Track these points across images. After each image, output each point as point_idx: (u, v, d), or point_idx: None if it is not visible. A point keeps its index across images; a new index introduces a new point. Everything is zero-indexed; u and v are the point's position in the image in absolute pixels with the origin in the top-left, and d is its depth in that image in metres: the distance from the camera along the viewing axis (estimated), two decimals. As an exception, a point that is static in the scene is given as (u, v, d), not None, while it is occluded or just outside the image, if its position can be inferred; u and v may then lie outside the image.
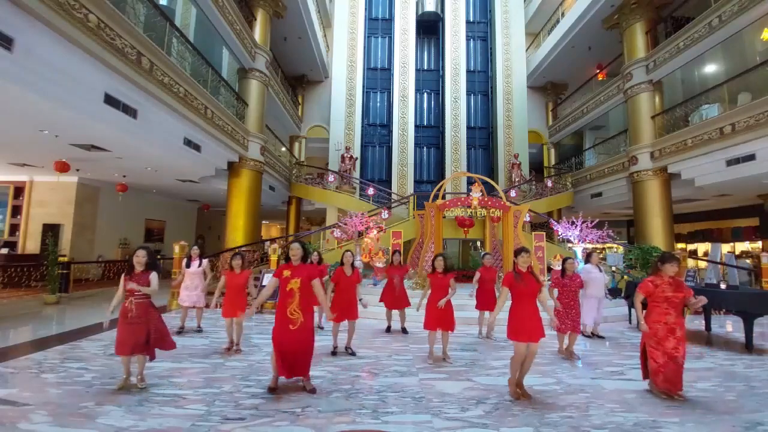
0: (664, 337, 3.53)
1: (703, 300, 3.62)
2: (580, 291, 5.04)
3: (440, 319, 4.56)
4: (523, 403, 3.41)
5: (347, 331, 4.96)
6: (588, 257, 5.90)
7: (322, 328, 6.20)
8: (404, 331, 6.11)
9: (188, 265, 5.86)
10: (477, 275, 5.76)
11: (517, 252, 3.59)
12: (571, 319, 4.79)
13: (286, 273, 3.56)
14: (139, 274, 3.58)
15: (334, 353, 4.86)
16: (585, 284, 5.24)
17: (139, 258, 3.59)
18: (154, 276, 3.62)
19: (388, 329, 6.21)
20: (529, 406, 3.36)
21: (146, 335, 3.53)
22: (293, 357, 3.50)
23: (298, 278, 3.52)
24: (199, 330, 5.89)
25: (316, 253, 6.52)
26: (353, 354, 4.85)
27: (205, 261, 5.94)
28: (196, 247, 6.07)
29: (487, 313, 5.77)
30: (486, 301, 5.74)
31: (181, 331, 5.75)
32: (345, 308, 4.86)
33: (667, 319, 3.54)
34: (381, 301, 6.20)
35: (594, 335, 5.99)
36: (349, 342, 4.98)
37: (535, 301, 3.51)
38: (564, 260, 5.03)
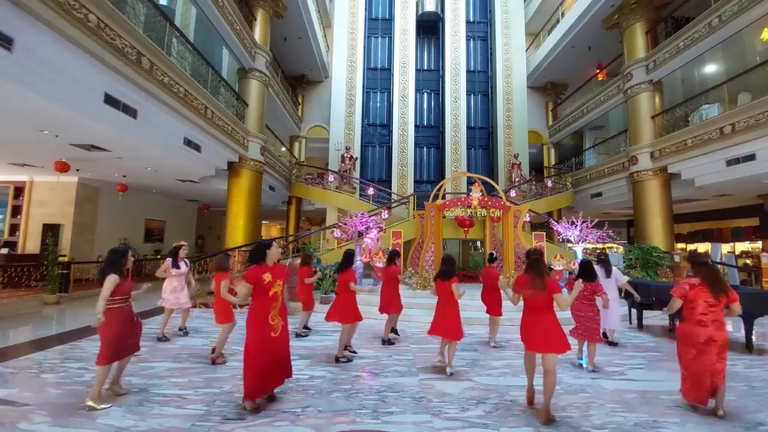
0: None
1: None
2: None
3: (446, 326, 4.22)
4: (523, 403, 3.40)
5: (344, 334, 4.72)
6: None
7: (309, 329, 6.06)
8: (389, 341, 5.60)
9: (177, 266, 5.63)
10: (507, 280, 5.41)
11: (532, 255, 3.35)
12: (594, 325, 4.48)
13: (267, 277, 3.23)
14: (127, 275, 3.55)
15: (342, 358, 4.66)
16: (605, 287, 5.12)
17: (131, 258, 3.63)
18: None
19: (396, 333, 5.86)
20: (530, 406, 3.36)
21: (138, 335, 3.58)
22: (281, 362, 3.30)
23: (281, 280, 3.30)
24: (182, 330, 5.74)
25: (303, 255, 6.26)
26: (338, 361, 4.57)
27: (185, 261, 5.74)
28: (185, 248, 5.76)
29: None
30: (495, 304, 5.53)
31: (166, 337, 5.46)
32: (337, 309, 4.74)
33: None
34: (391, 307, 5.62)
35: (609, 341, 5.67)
36: (348, 343, 4.80)
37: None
38: (587, 263, 4.63)
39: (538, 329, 3.20)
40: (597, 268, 5.57)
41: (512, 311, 6.81)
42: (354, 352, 4.90)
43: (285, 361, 3.40)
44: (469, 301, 5.84)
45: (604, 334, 5.76)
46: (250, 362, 3.13)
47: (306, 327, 6.05)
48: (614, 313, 5.42)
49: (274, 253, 3.36)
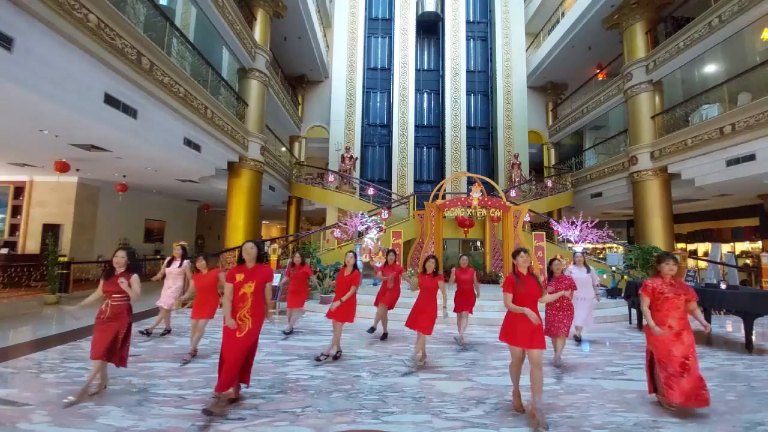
0: (671, 343, 3.27)
1: (706, 326, 3.40)
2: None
3: (416, 319, 4.42)
4: (523, 403, 3.39)
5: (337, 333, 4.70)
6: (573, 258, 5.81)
7: (290, 332, 5.92)
8: (374, 331, 5.89)
9: (169, 265, 5.63)
10: (452, 276, 5.48)
11: (516, 253, 3.36)
12: (559, 321, 4.52)
13: (240, 276, 3.28)
14: (119, 275, 3.46)
15: (323, 356, 4.57)
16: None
17: (119, 259, 3.49)
18: (135, 279, 3.48)
19: (372, 329, 5.92)
20: (529, 406, 3.34)
21: (113, 339, 3.38)
22: (239, 365, 3.19)
23: (252, 282, 3.26)
24: (167, 332, 5.71)
25: (297, 254, 6.20)
26: (336, 358, 4.63)
27: (186, 262, 5.68)
28: (179, 248, 5.73)
29: (466, 316, 5.56)
30: (462, 302, 5.53)
31: (167, 332, 5.65)
32: (339, 308, 4.60)
33: (670, 323, 3.30)
34: (377, 303, 5.85)
35: (576, 339, 5.76)
36: (336, 343, 4.65)
37: (534, 306, 3.25)
38: (550, 261, 4.75)
39: (531, 325, 3.20)
40: (573, 267, 5.61)
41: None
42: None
43: (245, 361, 3.29)
44: (488, 301, 5.78)
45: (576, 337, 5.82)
46: (220, 357, 3.25)
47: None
48: (581, 312, 5.31)
49: (245, 253, 3.36)
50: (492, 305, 7.04)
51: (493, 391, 3.73)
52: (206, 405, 3.05)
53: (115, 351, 3.42)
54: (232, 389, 3.34)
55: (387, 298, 5.77)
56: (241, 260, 3.39)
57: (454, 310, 5.56)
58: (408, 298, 5.89)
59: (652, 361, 3.45)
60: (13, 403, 3.23)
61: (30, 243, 10.85)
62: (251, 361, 3.42)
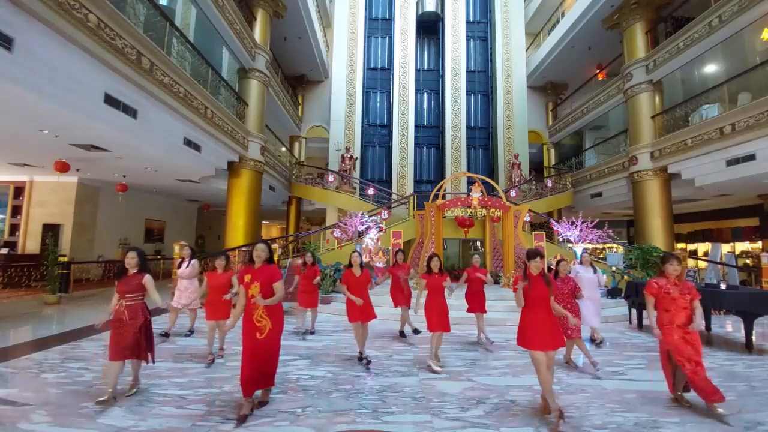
0: (680, 341, 3.32)
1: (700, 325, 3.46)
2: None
3: (443, 321, 4.44)
4: (523, 403, 3.40)
5: (360, 335, 4.71)
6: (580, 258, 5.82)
7: (313, 332, 5.99)
8: (416, 331, 5.96)
9: (179, 267, 5.69)
10: (464, 275, 5.46)
11: (532, 255, 3.30)
12: (566, 324, 4.46)
13: (247, 277, 3.26)
14: (132, 276, 3.50)
15: (361, 359, 4.57)
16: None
17: (130, 260, 3.51)
18: (149, 279, 3.52)
19: (402, 334, 5.86)
20: (529, 405, 3.36)
21: (135, 338, 3.38)
22: (262, 368, 3.19)
23: (257, 282, 3.22)
24: (190, 332, 5.73)
25: (309, 253, 6.28)
26: (368, 362, 4.55)
27: (194, 261, 5.71)
28: (187, 248, 5.79)
29: (481, 317, 5.56)
30: (474, 303, 5.52)
31: (168, 334, 5.60)
32: (360, 309, 4.61)
33: (679, 323, 3.35)
34: (396, 304, 5.90)
35: (594, 341, 5.71)
36: (362, 347, 4.68)
37: (547, 307, 3.25)
38: (557, 262, 4.72)
39: (545, 327, 3.22)
40: (579, 267, 5.62)
41: (510, 311, 6.80)
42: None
43: (268, 363, 3.25)
44: (490, 302, 5.81)
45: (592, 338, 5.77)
46: (243, 362, 3.18)
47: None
48: (589, 310, 5.28)
49: (255, 254, 3.34)
50: (494, 305, 7.03)
51: (494, 391, 3.73)
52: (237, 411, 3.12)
53: (140, 349, 3.43)
54: (259, 392, 3.32)
55: (403, 298, 5.79)
56: (251, 260, 3.37)
57: (468, 311, 5.59)
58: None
59: (669, 359, 3.48)
60: (13, 403, 3.23)
61: (30, 243, 10.85)
62: (276, 363, 3.38)
